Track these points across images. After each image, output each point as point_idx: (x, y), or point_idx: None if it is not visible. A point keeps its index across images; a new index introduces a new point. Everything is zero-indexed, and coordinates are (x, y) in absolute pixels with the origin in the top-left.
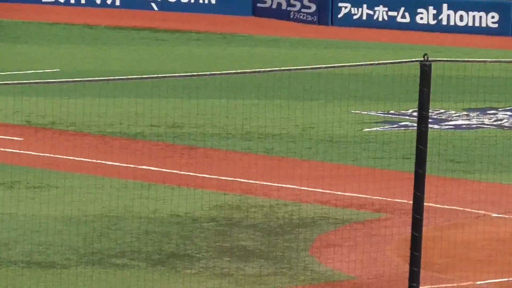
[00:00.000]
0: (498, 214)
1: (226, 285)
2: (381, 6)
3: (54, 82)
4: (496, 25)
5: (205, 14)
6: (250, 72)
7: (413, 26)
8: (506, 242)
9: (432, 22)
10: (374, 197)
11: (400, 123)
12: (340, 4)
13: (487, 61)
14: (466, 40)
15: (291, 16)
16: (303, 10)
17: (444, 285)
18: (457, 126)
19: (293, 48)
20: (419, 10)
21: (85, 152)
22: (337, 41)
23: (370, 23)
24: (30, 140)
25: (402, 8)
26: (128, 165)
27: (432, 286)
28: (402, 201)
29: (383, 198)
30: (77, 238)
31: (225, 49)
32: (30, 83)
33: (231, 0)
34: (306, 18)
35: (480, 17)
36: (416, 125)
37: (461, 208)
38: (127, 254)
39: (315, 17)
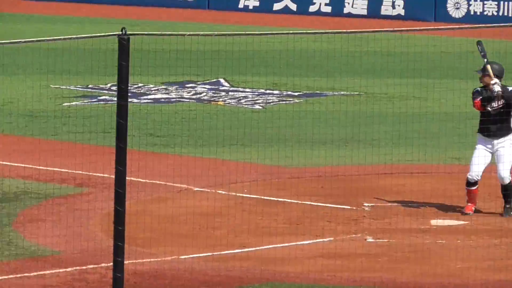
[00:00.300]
0: (200, 188)
1: None
2: None
3: None
4: None
5: None
6: None
7: (109, 0)
8: (208, 216)
9: None
10: (76, 172)
11: (99, 97)
12: None
13: (185, 34)
14: (163, 14)
15: None
16: None
17: (148, 259)
18: (156, 100)
19: None
20: None
21: None
22: (35, 15)
23: None
24: None
25: None
26: None
27: (137, 261)
28: (104, 175)
29: (85, 173)
30: None
31: None
32: None
33: None
34: None
35: None
36: (115, 99)
37: (163, 182)
38: None
39: None
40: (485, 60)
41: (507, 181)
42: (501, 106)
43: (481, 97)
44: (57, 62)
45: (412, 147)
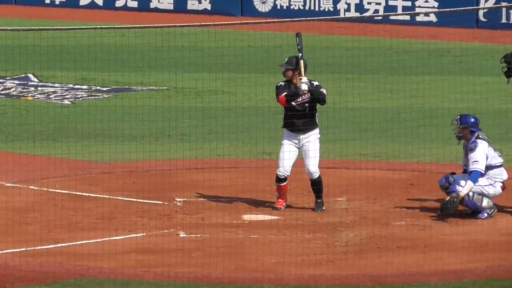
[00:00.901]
0: (11, 183)
1: None
2: None
3: None
4: None
5: None
6: None
7: None
8: (21, 211)
9: None
10: None
11: None
12: None
13: None
14: None
15: None
16: None
17: None
18: None
19: None
20: None
21: None
22: None
23: None
24: None
25: None
26: None
27: None
28: None
29: None
30: None
31: None
32: None
33: None
34: None
35: None
36: None
37: None
38: None
39: None
40: (300, 54)
41: (316, 175)
42: (306, 100)
43: (286, 93)
44: None
45: (222, 141)
